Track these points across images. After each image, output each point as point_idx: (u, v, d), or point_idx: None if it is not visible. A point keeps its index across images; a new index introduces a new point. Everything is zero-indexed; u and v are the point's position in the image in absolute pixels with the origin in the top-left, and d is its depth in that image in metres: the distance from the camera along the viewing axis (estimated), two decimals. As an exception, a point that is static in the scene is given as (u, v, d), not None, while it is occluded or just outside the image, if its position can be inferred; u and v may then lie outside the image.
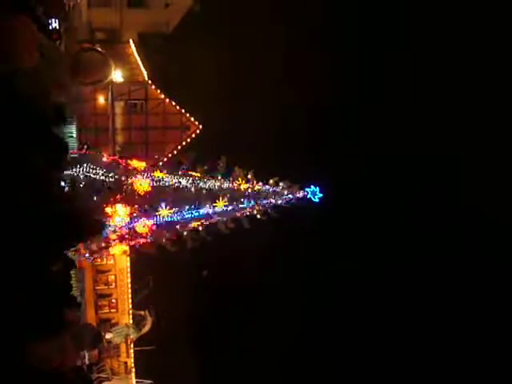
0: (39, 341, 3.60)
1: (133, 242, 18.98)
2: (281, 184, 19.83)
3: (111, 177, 18.44)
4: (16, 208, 4.60)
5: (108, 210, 18.32)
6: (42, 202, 4.84)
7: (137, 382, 25.37)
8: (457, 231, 35.15)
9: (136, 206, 18.49)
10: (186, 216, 18.68)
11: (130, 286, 25.09)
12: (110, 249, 19.13)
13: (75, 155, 17.74)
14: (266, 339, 33.13)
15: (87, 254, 19.55)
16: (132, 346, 25.03)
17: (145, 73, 26.07)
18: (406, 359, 33.90)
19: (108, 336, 23.64)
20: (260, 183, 19.79)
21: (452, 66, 33.40)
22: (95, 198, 17.89)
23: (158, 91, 26.09)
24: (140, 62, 26.11)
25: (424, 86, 33.73)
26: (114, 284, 24.93)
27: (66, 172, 15.89)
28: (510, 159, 33.87)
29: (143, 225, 18.51)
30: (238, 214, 19.48)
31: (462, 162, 34.28)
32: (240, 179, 19.62)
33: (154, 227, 18.61)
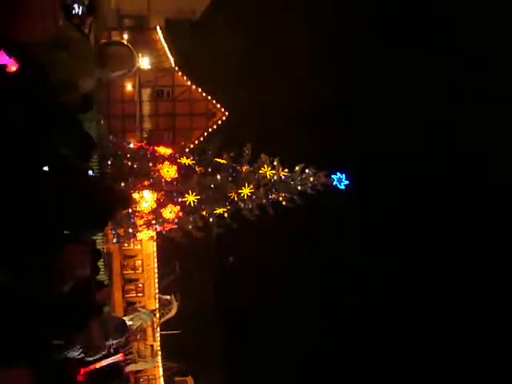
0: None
1: (159, 228, 19.17)
2: (306, 171, 19.71)
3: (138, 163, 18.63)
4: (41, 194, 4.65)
5: (135, 195, 18.53)
6: (68, 191, 4.92)
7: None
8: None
9: (163, 192, 18.66)
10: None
11: (156, 270, 25.40)
12: (138, 234, 19.34)
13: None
14: (290, 325, 33.26)
15: (115, 239, 19.83)
16: (158, 329, 25.41)
17: (171, 59, 26.12)
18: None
19: (128, 322, 23.87)
20: (286, 170, 19.73)
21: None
22: (122, 184, 18.11)
23: (185, 78, 26.15)
24: (167, 49, 26.15)
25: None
26: (140, 269, 25.28)
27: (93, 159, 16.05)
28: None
29: (170, 211, 18.66)
30: (264, 201, 19.49)
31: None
32: (266, 166, 19.58)
33: (181, 213, 18.76)
